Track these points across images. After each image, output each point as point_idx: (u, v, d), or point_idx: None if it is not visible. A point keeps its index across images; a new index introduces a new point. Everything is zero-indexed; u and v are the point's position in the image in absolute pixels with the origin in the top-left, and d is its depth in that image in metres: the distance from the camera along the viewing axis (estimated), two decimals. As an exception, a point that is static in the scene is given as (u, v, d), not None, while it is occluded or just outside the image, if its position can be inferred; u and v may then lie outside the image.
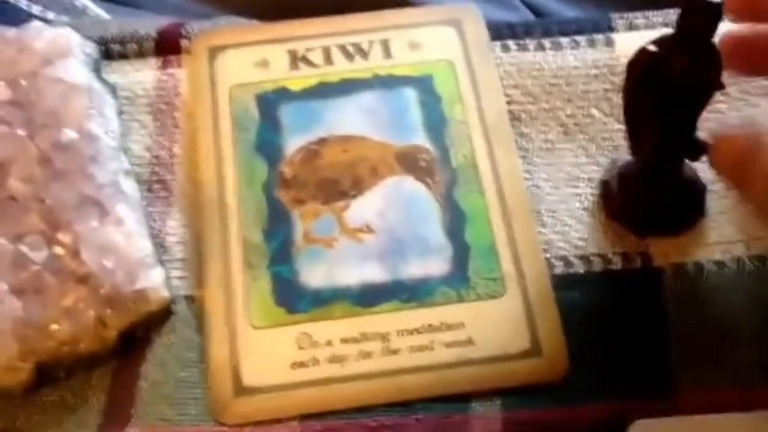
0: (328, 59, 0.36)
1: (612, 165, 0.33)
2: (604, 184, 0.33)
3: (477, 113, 0.35)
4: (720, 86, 0.27)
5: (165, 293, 0.31)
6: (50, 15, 0.41)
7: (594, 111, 0.35)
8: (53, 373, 0.30)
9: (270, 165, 0.34)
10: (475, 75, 0.36)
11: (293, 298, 0.31)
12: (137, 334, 0.31)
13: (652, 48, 0.27)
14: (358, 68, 0.36)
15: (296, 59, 0.36)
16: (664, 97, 0.27)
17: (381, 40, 0.37)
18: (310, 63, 0.36)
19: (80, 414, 0.30)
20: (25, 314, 0.29)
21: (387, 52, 0.36)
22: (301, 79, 0.36)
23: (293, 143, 0.34)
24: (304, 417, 0.29)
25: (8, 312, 0.29)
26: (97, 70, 0.36)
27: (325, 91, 0.36)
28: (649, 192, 0.32)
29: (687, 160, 0.31)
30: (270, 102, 0.35)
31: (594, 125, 0.35)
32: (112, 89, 0.36)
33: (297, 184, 0.33)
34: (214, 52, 0.37)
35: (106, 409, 0.30)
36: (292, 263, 0.32)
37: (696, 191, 0.33)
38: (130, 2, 0.45)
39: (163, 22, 0.39)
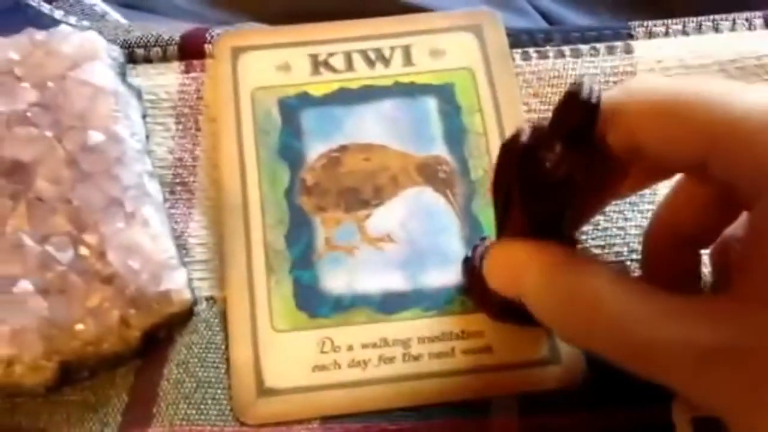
0: (349, 65, 0.37)
1: (481, 243, 0.32)
2: (466, 261, 0.32)
3: (496, 124, 0.35)
4: (601, 189, 0.26)
5: (187, 295, 0.32)
6: (72, 19, 0.41)
7: None
8: (77, 373, 0.31)
9: (292, 170, 0.34)
10: (494, 84, 0.36)
11: (315, 303, 0.32)
12: (159, 335, 0.32)
13: (525, 138, 0.25)
14: (379, 75, 0.37)
15: (318, 64, 0.37)
16: (532, 186, 0.25)
17: (402, 45, 0.37)
18: (331, 68, 0.37)
19: (102, 413, 0.31)
20: (51, 314, 0.30)
21: (408, 59, 0.37)
22: (323, 85, 0.37)
23: (314, 149, 0.35)
24: (325, 419, 0.30)
25: (34, 311, 0.30)
26: (122, 74, 0.36)
27: (345, 97, 0.36)
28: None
29: None
30: (292, 107, 0.36)
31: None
32: (137, 92, 0.36)
33: (319, 192, 0.34)
34: (236, 52, 0.37)
35: (128, 409, 0.31)
36: (313, 269, 0.33)
37: None
38: (149, 8, 0.45)
39: (186, 26, 0.39)
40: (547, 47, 0.38)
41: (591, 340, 0.25)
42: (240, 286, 0.32)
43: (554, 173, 0.25)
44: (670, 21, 0.38)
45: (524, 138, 0.25)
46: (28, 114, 0.33)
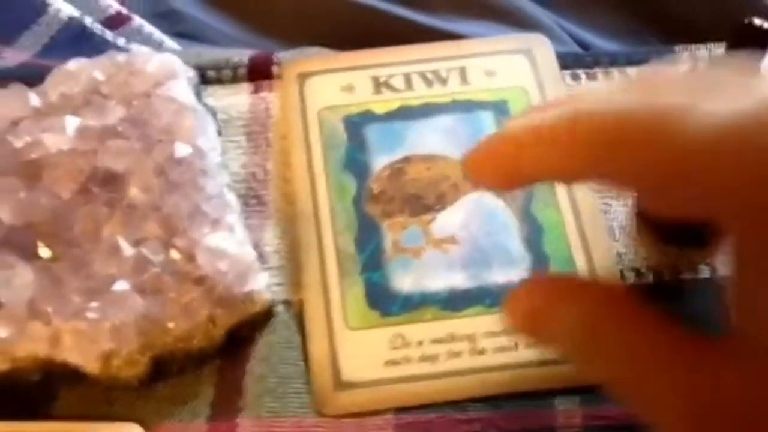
0: (408, 85, 0.39)
1: None
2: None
3: (550, 135, 0.38)
4: None
5: (268, 296, 0.34)
6: (133, 46, 0.44)
7: None
8: (166, 368, 0.33)
9: (358, 181, 0.37)
10: (547, 100, 0.39)
11: (386, 302, 0.34)
12: (241, 334, 0.34)
13: None
14: (438, 93, 0.39)
15: (379, 84, 0.40)
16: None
17: (458, 67, 0.40)
18: (392, 88, 0.40)
19: (192, 405, 0.33)
20: (146, 311, 0.32)
21: (464, 79, 0.39)
22: (384, 103, 0.39)
23: (379, 161, 0.37)
24: (398, 410, 0.32)
25: (132, 308, 0.32)
26: (197, 94, 0.39)
27: (406, 114, 0.39)
28: None
29: None
30: (356, 124, 0.38)
31: None
32: (212, 111, 0.39)
33: (385, 199, 0.36)
34: (302, 78, 0.40)
35: (215, 402, 0.33)
36: (383, 270, 0.35)
37: None
38: (203, 39, 0.48)
39: (252, 52, 0.42)
40: (596, 69, 0.40)
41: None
42: (315, 289, 0.34)
43: None
44: (712, 45, 0.40)
45: None
46: (119, 128, 0.35)
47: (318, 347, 0.33)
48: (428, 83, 0.40)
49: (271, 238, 0.37)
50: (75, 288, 0.32)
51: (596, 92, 0.25)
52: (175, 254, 0.33)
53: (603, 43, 0.45)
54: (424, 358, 0.33)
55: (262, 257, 0.36)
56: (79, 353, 0.31)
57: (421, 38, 0.41)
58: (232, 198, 0.36)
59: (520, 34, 0.42)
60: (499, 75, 0.40)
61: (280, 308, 0.35)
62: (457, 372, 0.33)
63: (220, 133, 0.38)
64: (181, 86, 0.37)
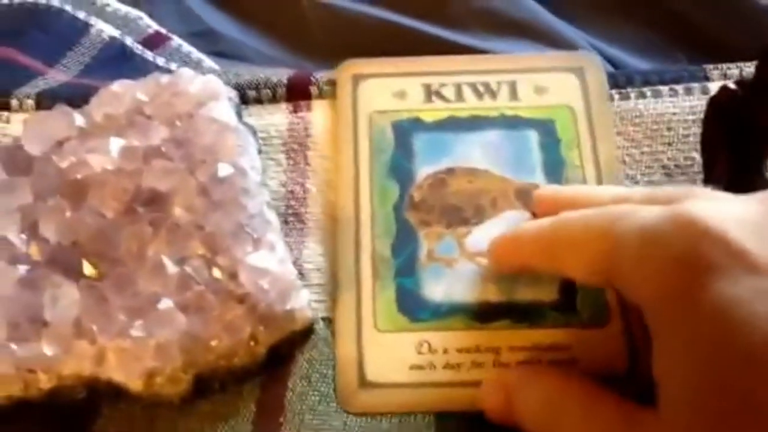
0: (459, 95, 0.40)
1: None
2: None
3: (592, 158, 0.38)
4: None
5: (309, 314, 0.35)
6: (173, 66, 0.45)
7: (694, 154, 0.38)
8: (208, 385, 0.33)
9: (401, 188, 0.38)
10: (592, 121, 0.39)
11: (415, 308, 0.35)
12: (282, 351, 0.34)
13: (732, 86, 0.30)
14: (487, 106, 0.40)
15: (430, 93, 0.41)
16: (736, 132, 0.30)
17: (509, 81, 0.40)
18: (442, 97, 0.40)
19: (233, 422, 0.33)
20: (190, 329, 0.32)
21: (514, 94, 0.40)
22: (434, 112, 0.40)
23: (423, 170, 0.38)
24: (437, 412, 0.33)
25: (176, 326, 0.32)
26: (239, 114, 0.39)
27: (455, 124, 0.39)
28: None
29: None
30: (405, 130, 0.39)
31: (694, 167, 0.38)
32: (252, 130, 0.39)
33: (425, 208, 0.37)
34: (357, 79, 0.41)
35: (256, 419, 0.33)
36: (416, 277, 0.36)
37: None
38: (239, 57, 0.49)
39: (290, 71, 0.43)
40: (628, 89, 0.40)
41: None
42: (348, 288, 0.36)
43: (757, 120, 0.30)
44: (743, 64, 0.40)
45: (732, 86, 0.31)
46: (163, 149, 0.36)
47: (346, 346, 0.35)
48: (478, 95, 0.40)
49: (311, 255, 0.38)
50: (120, 306, 0.33)
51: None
52: (217, 273, 0.34)
53: (632, 61, 0.45)
54: (448, 366, 0.34)
55: (301, 275, 0.37)
56: (123, 371, 0.32)
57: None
58: (272, 216, 0.36)
59: (572, 52, 0.42)
60: (549, 92, 0.40)
61: (320, 325, 0.36)
62: (480, 382, 0.33)
63: (260, 152, 0.39)
64: (223, 107, 0.38)
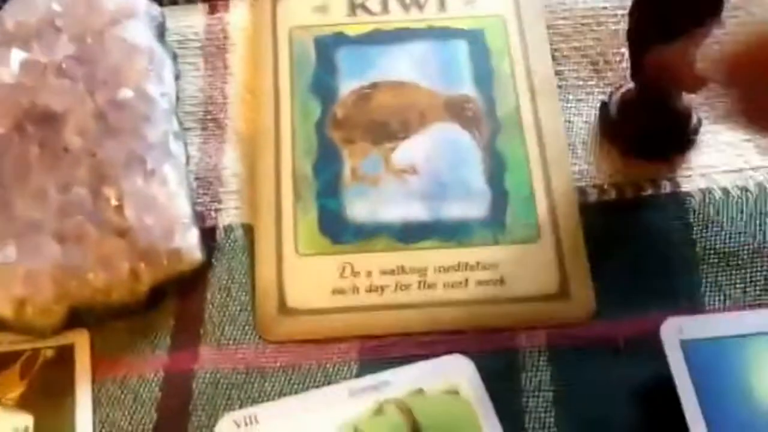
0: (384, 8, 0.38)
1: (615, 90, 0.35)
2: (603, 106, 0.35)
3: (524, 68, 0.36)
4: (719, 21, 0.29)
5: (198, 255, 0.32)
6: None
7: (624, 50, 0.36)
8: (84, 319, 0.32)
9: (323, 105, 0.36)
10: (524, 31, 0.37)
11: (338, 230, 0.33)
12: (167, 291, 0.32)
13: None
14: (413, 18, 0.38)
15: (354, 6, 0.38)
16: (665, 19, 0.29)
17: (437, -7, 0.38)
18: (367, 10, 0.38)
19: (152, 337, 0.32)
20: (64, 260, 0.31)
21: (442, 5, 0.38)
22: (358, 26, 0.38)
23: (347, 85, 0.36)
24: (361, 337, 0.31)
25: (49, 256, 0.31)
26: (160, 35, 0.37)
27: (380, 38, 0.37)
28: (644, 116, 0.34)
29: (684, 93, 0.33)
30: (327, 45, 0.37)
31: (624, 63, 0.37)
32: (172, 54, 0.37)
33: (348, 125, 0.35)
34: (276, -6, 0.39)
35: (175, 333, 0.32)
36: (339, 197, 0.34)
37: (688, 121, 0.35)
38: None
39: None
40: None
41: None
42: (268, 211, 0.34)
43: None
44: None
45: None
46: (64, 65, 0.34)
47: (265, 271, 0.33)
48: (405, 8, 0.38)
49: (230, 161, 0.36)
50: (-7, 228, 0.31)
51: None
52: (102, 203, 0.32)
53: None
54: (372, 289, 0.32)
55: (219, 181, 0.35)
56: (-9, 295, 0.30)
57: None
58: (177, 148, 0.34)
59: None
60: (478, 3, 0.38)
61: (240, 232, 0.34)
62: (406, 305, 0.32)
63: (177, 78, 0.37)
64: (139, 26, 0.36)
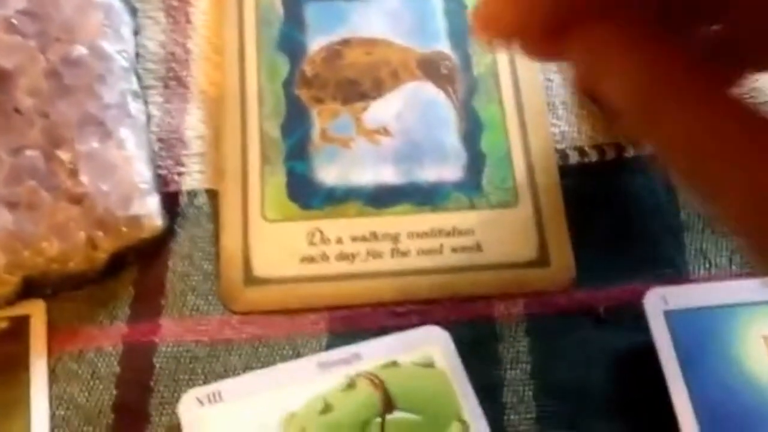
0: (356, -40, 0.36)
1: None
2: None
3: (503, 23, 0.35)
4: None
5: (158, 222, 0.31)
6: None
7: None
8: (40, 289, 0.30)
9: (292, 62, 0.34)
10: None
11: (307, 194, 0.32)
12: (128, 259, 0.31)
13: None
14: (386, -29, 0.36)
15: (323, -42, 0.36)
16: None
17: (409, -56, 0.36)
18: (338, -38, 0.36)
19: (111, 307, 0.30)
20: (16, 228, 0.29)
21: (416, -44, 0.36)
22: (328, -22, 0.36)
23: (316, 42, 0.34)
24: (316, 310, 0.30)
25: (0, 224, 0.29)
26: None
27: (350, -9, 0.35)
28: None
29: None
30: (295, -1, 0.35)
31: None
32: (132, 9, 0.35)
33: (317, 83, 0.33)
34: (240, -54, 0.37)
35: (135, 303, 0.30)
36: (308, 160, 0.32)
37: None
38: None
39: None
40: None
41: None
42: (234, 175, 0.32)
43: None
44: None
45: None
46: (14, 21, 0.32)
47: (230, 239, 0.31)
48: (378, -41, 0.36)
49: (194, 123, 0.34)
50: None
51: None
52: (56, 167, 0.30)
53: None
54: (342, 257, 0.31)
55: (182, 143, 0.33)
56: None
57: None
58: (136, 108, 0.32)
59: None
60: (454, -47, 0.36)
61: (204, 198, 0.32)
62: (378, 273, 0.30)
63: (137, 33, 0.35)
64: None
